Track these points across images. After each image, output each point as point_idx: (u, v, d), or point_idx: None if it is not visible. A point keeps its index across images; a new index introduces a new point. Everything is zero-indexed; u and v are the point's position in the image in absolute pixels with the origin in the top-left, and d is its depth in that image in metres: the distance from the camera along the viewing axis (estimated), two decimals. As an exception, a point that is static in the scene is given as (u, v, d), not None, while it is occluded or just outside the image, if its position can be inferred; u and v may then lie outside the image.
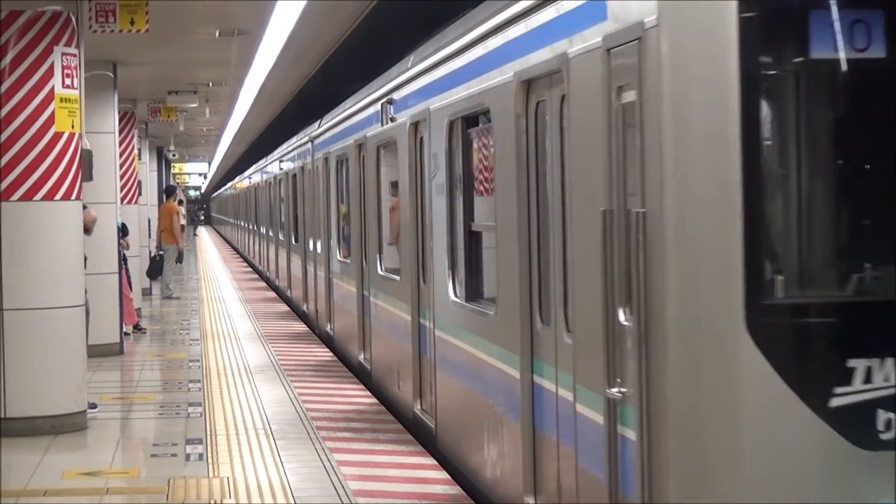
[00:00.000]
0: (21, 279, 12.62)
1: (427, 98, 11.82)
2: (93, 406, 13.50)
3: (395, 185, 14.82)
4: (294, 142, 27.53)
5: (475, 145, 10.57)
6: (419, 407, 12.54)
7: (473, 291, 10.41)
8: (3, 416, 12.49)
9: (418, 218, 12.43)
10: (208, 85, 24.19)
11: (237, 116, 32.99)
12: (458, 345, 10.63)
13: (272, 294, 32.27)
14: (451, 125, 10.76)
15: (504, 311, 8.99)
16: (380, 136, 14.72)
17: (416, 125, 12.42)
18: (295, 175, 26.65)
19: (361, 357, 16.77)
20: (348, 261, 18.04)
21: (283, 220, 30.18)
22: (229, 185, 72.54)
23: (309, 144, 23.44)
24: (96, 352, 16.36)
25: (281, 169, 30.55)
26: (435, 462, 11.32)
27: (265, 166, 37.82)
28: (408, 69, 13.09)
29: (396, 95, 13.55)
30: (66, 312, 12.93)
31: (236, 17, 15.76)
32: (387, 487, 10.32)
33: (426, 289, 12.07)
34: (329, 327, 20.66)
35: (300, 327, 23.62)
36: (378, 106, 14.61)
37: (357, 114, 16.95)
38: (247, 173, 51.32)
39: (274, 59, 20.17)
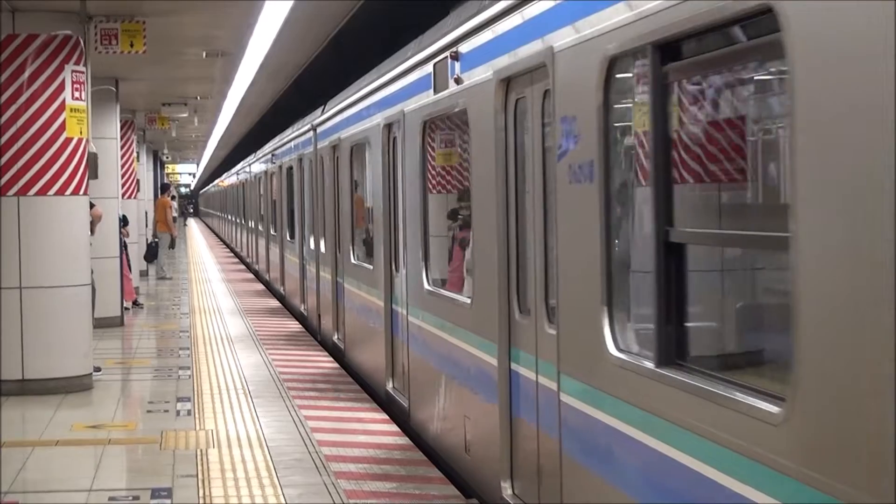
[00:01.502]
0: (37, 262, 12.58)
1: (544, 34, 6.53)
2: (97, 369, 13.46)
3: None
4: (289, 133, 22.40)
5: (687, 94, 5.25)
6: (510, 491, 7.47)
7: (673, 350, 5.10)
8: (22, 377, 12.47)
9: (510, 221, 7.42)
10: (196, 98, 24.12)
11: (221, 124, 32.91)
12: (639, 440, 5.27)
13: (250, 275, 32.16)
14: (613, 66, 5.60)
15: (811, 412, 3.85)
16: (431, 108, 9.46)
17: (507, 82, 7.34)
18: (290, 168, 21.61)
19: (390, 386, 11.73)
20: (370, 267, 12.83)
21: (274, 214, 25.50)
22: (215, 182, 71.98)
23: (310, 133, 18.18)
24: (100, 324, 16.29)
25: (272, 162, 25.41)
26: (386, 417, 11.35)
27: (253, 162, 32.54)
28: (485, 5, 7.92)
29: (468, 46, 8.33)
30: (75, 290, 12.88)
31: (220, 40, 15.74)
32: (346, 438, 10.32)
33: (528, 325, 7.07)
34: (337, 337, 15.72)
35: (274, 303, 23.54)
36: (428, 68, 9.52)
37: (386, 87, 11.67)
38: (234, 170, 46.13)
39: (252, 77, 20.15)
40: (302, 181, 19.79)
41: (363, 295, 13.28)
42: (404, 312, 10.89)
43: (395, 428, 10.78)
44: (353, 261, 14.22)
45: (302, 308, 20.00)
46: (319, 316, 17.60)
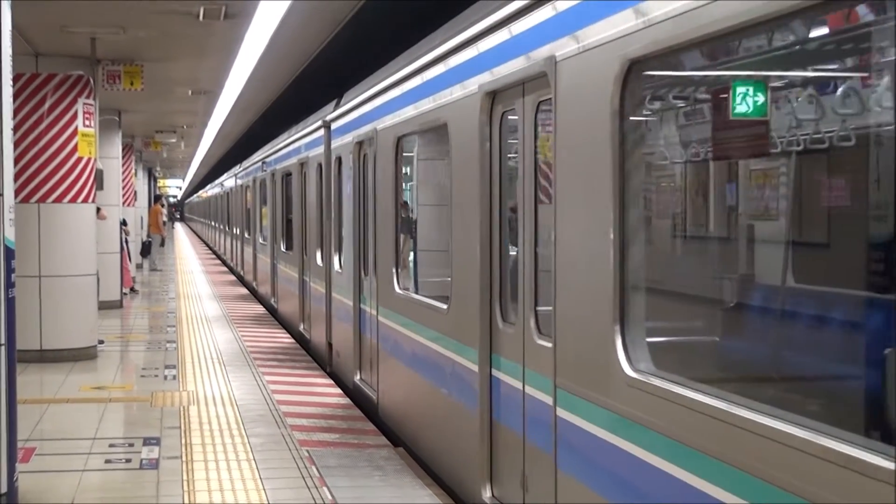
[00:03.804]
0: (54, 255, 12.48)
1: None
2: (101, 342, 13.36)
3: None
4: (285, 138, 16.73)
5: None
6: None
7: None
8: (40, 348, 12.36)
9: None
10: (184, 127, 23.94)
11: (203, 147, 32.67)
12: None
13: (225, 269, 31.91)
14: None
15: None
16: (695, 22, 3.40)
17: None
18: (289, 173, 15.97)
19: (487, 496, 5.97)
20: (445, 308, 6.81)
21: (265, 223, 19.74)
22: (198, 193, 71.10)
23: (320, 132, 12.45)
24: (104, 305, 16.10)
25: (264, 169, 19.71)
26: (332, 382, 11.38)
27: (240, 172, 26.79)
28: None
29: None
30: (84, 278, 12.78)
31: (203, 81, 15.67)
32: (300, 399, 10.33)
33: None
34: (359, 377, 10.25)
35: (244, 291, 23.38)
36: None
37: (494, 31, 5.76)
38: (218, 180, 39.46)
39: (228, 111, 20.06)
40: (303, 187, 14.42)
41: (421, 341, 7.58)
42: (539, 396, 5.16)
43: (339, 391, 10.81)
44: (398, 290, 8.38)
45: (301, 328, 14.74)
46: (331, 345, 12.16)
